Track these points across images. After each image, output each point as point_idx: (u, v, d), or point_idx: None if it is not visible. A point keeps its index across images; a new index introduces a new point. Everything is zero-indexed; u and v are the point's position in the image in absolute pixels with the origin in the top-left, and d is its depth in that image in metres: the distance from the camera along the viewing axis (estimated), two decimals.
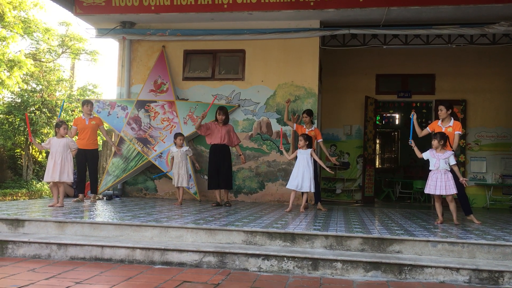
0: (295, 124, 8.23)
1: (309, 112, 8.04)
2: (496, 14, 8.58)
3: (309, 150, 7.34)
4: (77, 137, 8.06)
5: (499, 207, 10.64)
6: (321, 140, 8.07)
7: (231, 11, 8.95)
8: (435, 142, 6.31)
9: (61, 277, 4.03)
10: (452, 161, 6.20)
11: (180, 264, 4.64)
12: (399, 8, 8.45)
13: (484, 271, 4.25)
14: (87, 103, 8.13)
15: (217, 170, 7.86)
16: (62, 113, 8.54)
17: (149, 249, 4.72)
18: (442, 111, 6.68)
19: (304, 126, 8.02)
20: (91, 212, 6.40)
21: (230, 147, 8.10)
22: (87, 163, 8.04)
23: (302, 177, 7.28)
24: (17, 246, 4.90)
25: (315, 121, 8.81)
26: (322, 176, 11.41)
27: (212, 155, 7.96)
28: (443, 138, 6.29)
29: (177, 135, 8.12)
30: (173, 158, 8.03)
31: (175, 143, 8.06)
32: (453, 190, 6.12)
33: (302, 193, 7.52)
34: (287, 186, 7.51)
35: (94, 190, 8.17)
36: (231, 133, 8.13)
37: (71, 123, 17.51)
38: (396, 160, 15.95)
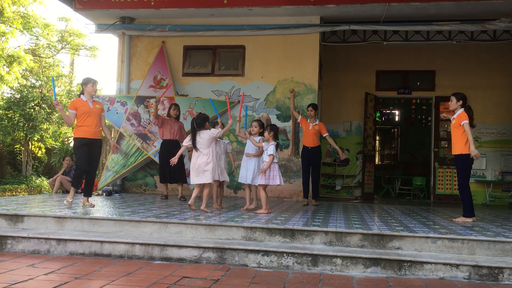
0: (300, 116, 8.18)
1: (314, 106, 7.98)
2: (496, 11, 8.55)
3: (259, 138, 6.68)
4: (76, 124, 6.40)
5: (499, 204, 10.64)
6: (327, 134, 7.94)
7: (231, 7, 8.92)
8: (265, 134, 6.46)
9: (60, 273, 4.03)
10: (270, 151, 6.24)
11: (179, 259, 4.64)
12: (399, 4, 8.43)
13: (483, 268, 4.25)
14: (93, 81, 6.44)
15: (168, 165, 7.15)
16: (55, 90, 7.30)
17: (148, 244, 4.71)
18: (452, 101, 6.44)
19: (308, 120, 7.94)
20: (91, 208, 6.39)
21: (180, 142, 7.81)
22: (90, 157, 6.37)
23: (246, 168, 6.83)
24: (16, 242, 4.89)
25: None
26: (322, 173, 11.40)
27: (163, 151, 8.04)
28: (273, 129, 6.44)
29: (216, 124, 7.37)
30: None
31: None
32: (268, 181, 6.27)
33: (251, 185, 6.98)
34: (240, 180, 7.00)
35: (90, 193, 6.63)
36: (182, 130, 8.23)
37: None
38: (395, 157, 15.96)
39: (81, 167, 6.34)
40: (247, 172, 6.83)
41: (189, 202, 6.27)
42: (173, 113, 8.17)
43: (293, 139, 9.15)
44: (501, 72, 11.03)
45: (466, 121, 6.14)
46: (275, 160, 6.30)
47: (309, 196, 8.02)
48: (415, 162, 14.91)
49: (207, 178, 6.19)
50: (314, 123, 7.87)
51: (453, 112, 6.43)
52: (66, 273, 4.01)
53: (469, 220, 6.17)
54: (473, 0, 8.18)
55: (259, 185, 6.38)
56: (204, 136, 6.25)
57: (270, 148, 6.29)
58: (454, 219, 6.29)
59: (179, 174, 8.03)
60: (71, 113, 6.31)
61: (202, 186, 6.35)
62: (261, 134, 6.70)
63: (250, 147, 6.87)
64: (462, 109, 6.30)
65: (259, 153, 6.65)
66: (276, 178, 6.27)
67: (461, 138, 6.17)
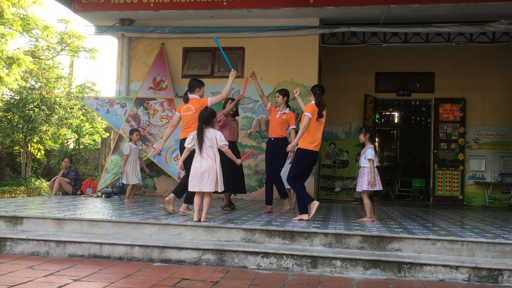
0: (269, 104, 6.93)
1: (281, 92, 6.75)
2: (496, 12, 8.57)
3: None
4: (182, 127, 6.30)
5: (498, 206, 10.64)
6: (294, 127, 6.66)
7: (230, 9, 8.94)
8: (360, 136, 6.15)
9: (59, 275, 4.02)
10: (369, 155, 5.94)
11: (179, 261, 4.63)
12: (398, 6, 8.44)
13: (483, 269, 4.25)
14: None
15: (227, 172, 6.16)
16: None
17: (148, 246, 4.71)
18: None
19: (277, 109, 6.75)
20: (90, 210, 6.39)
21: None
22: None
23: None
24: (16, 243, 4.88)
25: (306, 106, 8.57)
26: (322, 174, 11.41)
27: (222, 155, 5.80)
28: (368, 131, 6.11)
29: (133, 131, 8.09)
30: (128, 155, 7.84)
31: (131, 139, 8.03)
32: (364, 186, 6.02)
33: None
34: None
35: (190, 200, 5.99)
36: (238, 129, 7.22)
37: (70, 121, 17.45)
38: (395, 159, 15.96)
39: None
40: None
41: (202, 219, 5.28)
42: (233, 110, 7.05)
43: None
44: (500, 74, 11.04)
45: (307, 113, 5.81)
46: (375, 164, 5.96)
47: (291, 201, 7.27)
48: (414, 164, 14.92)
49: (211, 186, 5.32)
50: (283, 112, 6.67)
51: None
52: (65, 275, 4.00)
53: (307, 217, 5.72)
54: (472, 2, 8.20)
55: (363, 191, 6.08)
56: (210, 136, 5.36)
57: (368, 152, 5.92)
58: (293, 218, 5.78)
59: (239, 184, 6.91)
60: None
61: (202, 195, 5.45)
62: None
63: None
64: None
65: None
66: (376, 183, 5.98)
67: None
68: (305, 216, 5.76)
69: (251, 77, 6.96)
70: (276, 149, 6.57)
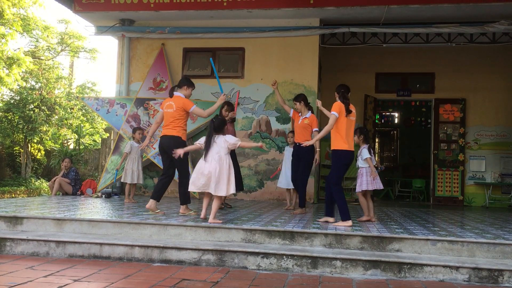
0: (292, 110, 7.11)
1: (297, 98, 6.90)
2: (496, 13, 8.57)
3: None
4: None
5: (498, 206, 10.63)
6: (317, 129, 6.78)
7: (230, 9, 8.94)
8: (355, 138, 6.15)
9: (59, 275, 4.02)
10: (365, 155, 6.10)
11: (179, 262, 4.63)
12: (399, 6, 8.44)
13: (483, 270, 4.25)
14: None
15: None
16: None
17: (148, 247, 4.71)
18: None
19: (300, 114, 6.94)
20: (90, 210, 6.39)
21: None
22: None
23: (286, 174, 7.37)
24: (16, 244, 4.88)
25: (316, 107, 8.59)
26: (322, 175, 11.39)
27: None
28: (362, 132, 6.24)
29: (135, 129, 8.15)
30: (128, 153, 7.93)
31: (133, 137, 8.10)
32: (363, 186, 6.11)
33: (293, 190, 7.36)
34: (279, 185, 7.69)
35: (186, 200, 6.16)
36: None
37: (70, 121, 17.45)
38: (395, 159, 15.96)
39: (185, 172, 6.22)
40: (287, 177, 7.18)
41: (210, 221, 5.25)
42: (232, 114, 7.19)
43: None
44: (500, 74, 11.04)
45: (333, 112, 5.70)
46: (374, 164, 6.10)
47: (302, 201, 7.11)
48: (414, 164, 14.92)
49: (217, 189, 5.32)
50: (305, 116, 6.82)
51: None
52: (65, 275, 4.00)
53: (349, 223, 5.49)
54: (472, 2, 8.20)
55: (358, 192, 6.18)
56: (219, 142, 5.41)
57: (364, 152, 6.11)
58: (334, 224, 5.58)
59: (237, 182, 6.65)
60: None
61: (209, 196, 5.52)
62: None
63: (287, 156, 6.76)
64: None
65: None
66: (377, 182, 6.09)
67: (334, 134, 5.72)
68: (348, 222, 5.45)
69: (272, 86, 7.17)
70: (302, 154, 6.68)
